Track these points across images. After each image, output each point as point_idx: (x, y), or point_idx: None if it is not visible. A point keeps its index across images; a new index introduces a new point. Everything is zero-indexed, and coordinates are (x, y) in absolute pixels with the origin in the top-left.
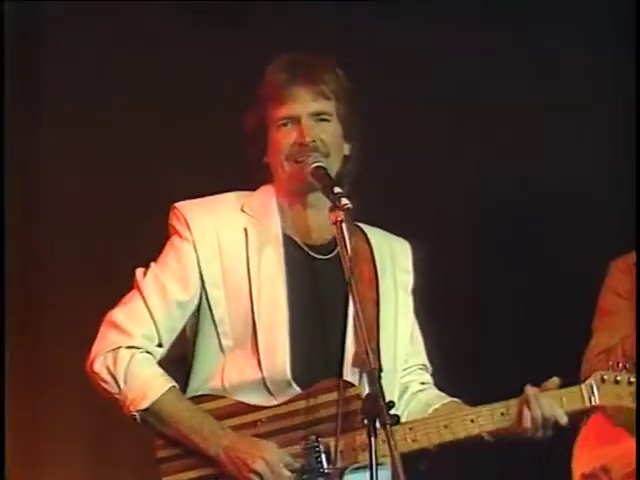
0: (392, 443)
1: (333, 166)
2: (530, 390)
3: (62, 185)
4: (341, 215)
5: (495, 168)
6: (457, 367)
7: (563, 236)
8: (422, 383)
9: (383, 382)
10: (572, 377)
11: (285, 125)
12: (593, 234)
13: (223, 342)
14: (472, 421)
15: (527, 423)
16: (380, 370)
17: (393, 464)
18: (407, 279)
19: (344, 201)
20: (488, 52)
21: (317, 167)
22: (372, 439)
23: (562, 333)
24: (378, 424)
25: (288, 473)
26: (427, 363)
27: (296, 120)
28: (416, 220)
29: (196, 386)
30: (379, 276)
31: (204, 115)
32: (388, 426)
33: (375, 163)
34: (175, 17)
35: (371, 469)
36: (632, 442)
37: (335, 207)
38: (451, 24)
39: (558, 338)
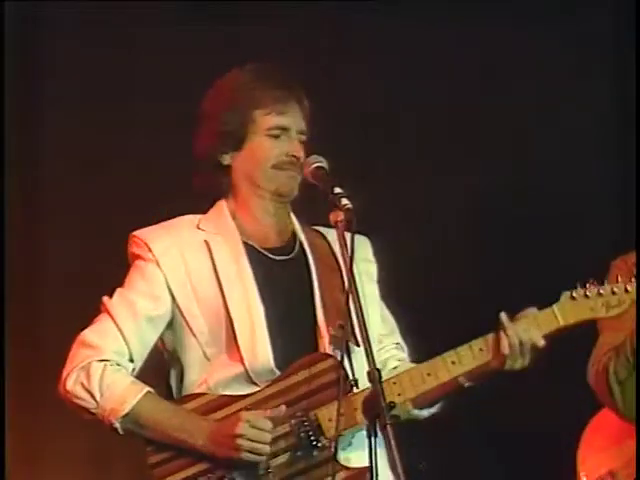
0: (392, 443)
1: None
2: (504, 317)
3: (62, 185)
4: (341, 215)
5: (495, 168)
6: None
7: (562, 237)
8: (399, 360)
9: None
10: (573, 377)
11: (277, 137)
12: (593, 235)
13: (207, 351)
14: (453, 363)
15: (505, 350)
16: (357, 345)
17: (393, 464)
18: (371, 268)
19: (344, 201)
20: (488, 52)
21: (318, 167)
22: (372, 439)
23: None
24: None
25: (269, 423)
26: (401, 342)
27: (287, 133)
28: (415, 219)
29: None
30: (341, 266)
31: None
32: (388, 427)
33: (374, 162)
34: (175, 17)
35: (371, 469)
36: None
37: (335, 207)
38: (451, 24)
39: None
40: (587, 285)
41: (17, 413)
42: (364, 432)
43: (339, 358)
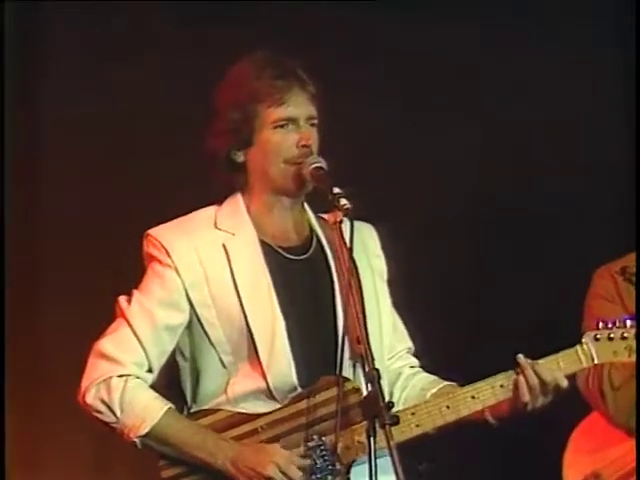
0: (392, 443)
1: None
2: (522, 359)
3: (62, 185)
4: (340, 216)
5: (494, 167)
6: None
7: (561, 237)
8: (412, 367)
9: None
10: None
11: (283, 127)
12: (592, 235)
13: (224, 358)
14: (473, 397)
15: (525, 396)
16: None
17: (393, 464)
18: (381, 265)
19: (343, 202)
20: (488, 52)
21: (317, 168)
22: (371, 439)
23: (557, 333)
24: (377, 424)
25: (300, 473)
26: (411, 345)
27: (295, 122)
28: (416, 218)
29: (202, 403)
30: (357, 264)
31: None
32: (387, 426)
33: (374, 162)
34: (176, 17)
35: (370, 469)
36: (624, 446)
37: (334, 207)
38: (451, 24)
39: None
40: (610, 326)
41: (17, 417)
42: (382, 460)
43: (352, 371)
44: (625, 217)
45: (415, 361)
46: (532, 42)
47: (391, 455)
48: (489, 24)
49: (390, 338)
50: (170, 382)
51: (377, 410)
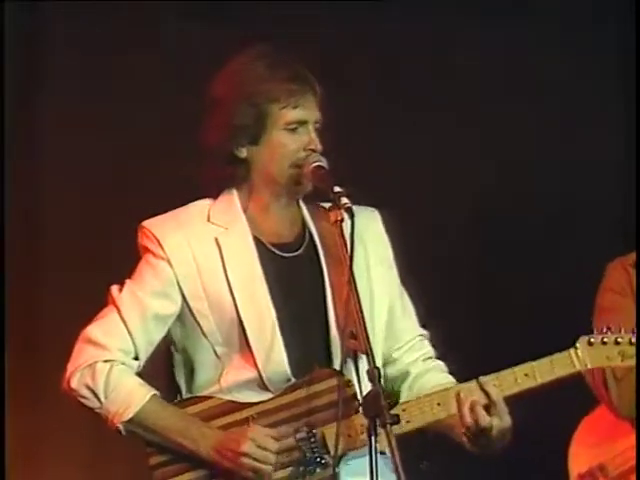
0: (393, 443)
1: None
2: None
3: (63, 185)
4: (341, 214)
5: (494, 168)
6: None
7: (562, 238)
8: (425, 360)
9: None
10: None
11: (293, 130)
12: (593, 236)
13: (217, 349)
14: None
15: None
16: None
17: (394, 463)
18: (381, 248)
19: (344, 200)
20: (488, 52)
21: (318, 166)
22: (372, 438)
23: (559, 334)
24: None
25: (276, 446)
26: (423, 331)
27: (304, 125)
28: (416, 219)
29: (196, 393)
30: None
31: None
32: (388, 426)
33: (375, 162)
34: (176, 16)
35: (371, 469)
36: (629, 440)
37: (335, 206)
38: (451, 24)
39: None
40: (605, 330)
41: (17, 416)
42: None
43: (352, 367)
44: (626, 219)
45: (429, 350)
46: (532, 42)
47: (392, 454)
48: (489, 24)
49: (399, 327)
50: (165, 374)
51: (378, 409)
